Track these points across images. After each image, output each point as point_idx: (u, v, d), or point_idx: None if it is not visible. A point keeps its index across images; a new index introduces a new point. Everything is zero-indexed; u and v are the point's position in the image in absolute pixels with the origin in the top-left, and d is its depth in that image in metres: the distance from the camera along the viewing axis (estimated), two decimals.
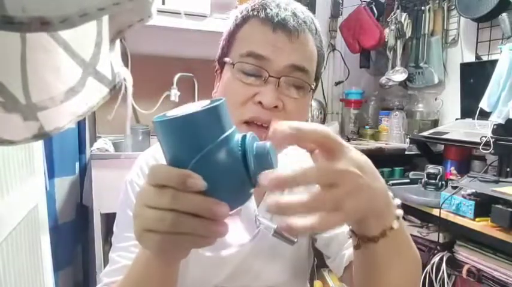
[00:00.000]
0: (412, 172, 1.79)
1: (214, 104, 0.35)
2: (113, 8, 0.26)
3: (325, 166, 0.36)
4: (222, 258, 0.66)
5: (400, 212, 0.44)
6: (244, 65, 0.59)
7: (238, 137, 0.37)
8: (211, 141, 0.35)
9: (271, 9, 0.59)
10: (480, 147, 1.44)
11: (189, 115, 0.34)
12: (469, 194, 1.27)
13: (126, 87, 0.35)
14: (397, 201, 0.45)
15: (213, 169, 0.35)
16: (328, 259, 0.73)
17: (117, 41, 0.33)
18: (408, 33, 2.13)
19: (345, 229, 0.66)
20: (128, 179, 0.69)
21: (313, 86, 0.63)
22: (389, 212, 0.42)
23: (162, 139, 0.36)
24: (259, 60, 0.58)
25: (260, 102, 0.57)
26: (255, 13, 0.60)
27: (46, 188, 1.26)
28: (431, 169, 1.58)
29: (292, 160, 0.74)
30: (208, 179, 0.35)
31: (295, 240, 0.47)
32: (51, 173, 1.61)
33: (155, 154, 0.69)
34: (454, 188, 1.35)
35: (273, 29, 0.58)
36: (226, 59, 0.62)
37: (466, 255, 1.34)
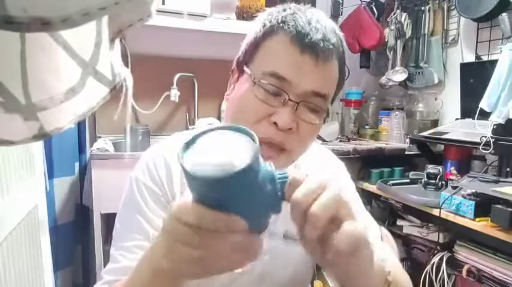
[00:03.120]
0: (412, 172, 1.79)
1: (248, 163, 0.33)
2: (114, 7, 0.26)
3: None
4: None
5: (389, 266, 0.49)
6: (266, 85, 0.58)
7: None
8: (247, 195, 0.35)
9: (302, 27, 0.57)
10: (480, 147, 1.44)
11: (225, 177, 0.32)
12: (469, 194, 1.27)
13: (126, 88, 0.35)
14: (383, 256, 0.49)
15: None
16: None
17: (117, 41, 0.33)
18: (408, 33, 2.13)
19: None
20: (132, 176, 0.68)
21: (329, 111, 0.62)
22: (379, 272, 0.47)
23: (193, 188, 0.36)
24: (282, 81, 0.57)
25: (275, 123, 0.57)
26: (285, 27, 0.58)
27: (46, 188, 1.26)
28: (431, 169, 1.58)
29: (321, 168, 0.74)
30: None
31: None
32: (50, 173, 1.61)
33: (164, 153, 0.68)
34: (454, 188, 1.35)
35: (301, 50, 0.56)
36: (247, 70, 0.60)
37: (466, 255, 1.33)
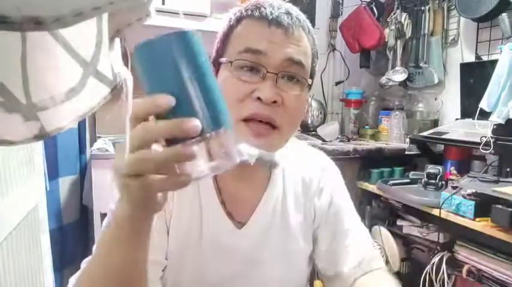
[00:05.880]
0: (412, 172, 1.79)
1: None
2: (108, 7, 0.26)
3: None
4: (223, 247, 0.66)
5: None
6: (242, 61, 0.59)
7: None
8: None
9: (265, 8, 0.60)
10: (480, 147, 1.44)
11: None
12: (469, 194, 1.27)
13: (127, 88, 0.35)
14: None
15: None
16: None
17: (117, 40, 0.33)
18: (408, 33, 2.13)
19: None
20: None
21: (310, 82, 0.64)
22: None
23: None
24: (257, 55, 0.59)
25: (259, 98, 0.57)
26: (249, 13, 0.61)
27: (46, 188, 1.26)
28: (431, 169, 1.58)
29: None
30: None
31: None
32: (55, 173, 1.61)
33: None
34: (454, 188, 1.35)
35: (268, 25, 0.59)
36: (223, 60, 0.62)
37: (466, 255, 1.34)
